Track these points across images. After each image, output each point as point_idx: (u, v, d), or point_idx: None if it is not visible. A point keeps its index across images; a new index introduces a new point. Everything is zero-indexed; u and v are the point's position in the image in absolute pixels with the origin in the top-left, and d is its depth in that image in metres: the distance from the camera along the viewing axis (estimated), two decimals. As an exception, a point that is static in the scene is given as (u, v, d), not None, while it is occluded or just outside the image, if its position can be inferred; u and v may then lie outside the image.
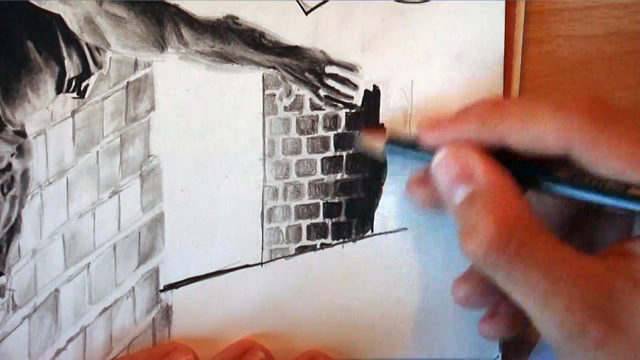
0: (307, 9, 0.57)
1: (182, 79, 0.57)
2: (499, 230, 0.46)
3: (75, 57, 0.55)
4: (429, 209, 0.56)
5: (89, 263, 0.57)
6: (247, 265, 0.58)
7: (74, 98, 0.56)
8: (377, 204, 0.59)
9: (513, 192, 0.48)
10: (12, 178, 0.55)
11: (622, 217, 0.51)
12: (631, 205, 0.45)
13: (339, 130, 0.58)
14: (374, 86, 0.58)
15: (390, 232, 0.59)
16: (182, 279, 0.58)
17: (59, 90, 0.55)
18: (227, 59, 0.57)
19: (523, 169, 0.50)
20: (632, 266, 0.45)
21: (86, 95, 0.56)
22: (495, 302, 0.54)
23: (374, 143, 0.57)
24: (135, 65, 0.56)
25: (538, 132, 0.48)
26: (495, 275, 0.46)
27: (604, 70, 0.62)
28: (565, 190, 0.49)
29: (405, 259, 0.59)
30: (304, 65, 0.57)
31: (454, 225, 0.49)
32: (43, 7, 0.54)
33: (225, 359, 0.57)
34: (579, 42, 0.61)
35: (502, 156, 0.50)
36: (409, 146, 0.55)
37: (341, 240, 0.59)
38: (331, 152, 0.58)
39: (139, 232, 0.57)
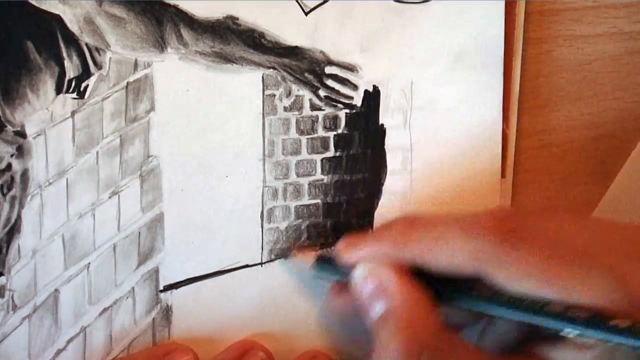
0: (306, 9, 0.57)
1: (182, 79, 0.57)
2: (407, 350, 0.47)
3: (75, 57, 0.55)
4: (348, 318, 0.56)
5: (89, 263, 0.57)
6: (247, 266, 0.58)
7: (73, 98, 0.56)
8: (377, 205, 0.59)
9: (426, 309, 0.49)
10: (12, 178, 0.55)
11: None
12: (551, 324, 0.46)
13: (339, 131, 0.58)
14: (374, 86, 0.58)
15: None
16: (182, 279, 0.58)
17: (58, 90, 0.55)
18: (227, 59, 0.57)
19: (441, 286, 0.50)
20: None
21: (86, 96, 0.56)
22: None
23: (304, 260, 0.58)
24: (135, 65, 0.56)
25: (450, 254, 0.48)
26: None
27: (604, 70, 0.62)
28: (481, 307, 0.49)
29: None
30: (304, 66, 0.57)
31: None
32: (43, 7, 0.54)
33: (226, 359, 0.57)
34: (579, 42, 0.62)
35: (421, 273, 0.50)
36: (334, 263, 0.55)
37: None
38: (331, 153, 0.58)
39: (139, 233, 0.57)
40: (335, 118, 0.58)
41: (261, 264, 0.59)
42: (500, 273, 0.47)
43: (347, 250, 0.53)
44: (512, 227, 0.48)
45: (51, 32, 0.55)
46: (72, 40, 0.55)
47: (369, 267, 0.51)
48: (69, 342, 0.57)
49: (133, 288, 0.58)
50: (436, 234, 0.49)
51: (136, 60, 0.56)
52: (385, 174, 0.59)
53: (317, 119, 0.58)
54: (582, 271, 0.45)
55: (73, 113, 0.56)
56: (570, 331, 0.45)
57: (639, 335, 0.42)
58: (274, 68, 0.57)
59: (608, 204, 0.64)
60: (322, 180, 0.59)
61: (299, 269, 0.59)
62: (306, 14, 0.57)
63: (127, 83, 0.56)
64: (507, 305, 0.47)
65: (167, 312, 0.58)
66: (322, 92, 0.58)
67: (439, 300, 0.50)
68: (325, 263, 0.56)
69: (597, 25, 0.62)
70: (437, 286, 0.50)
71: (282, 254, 0.59)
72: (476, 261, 0.47)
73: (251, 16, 0.56)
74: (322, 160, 0.58)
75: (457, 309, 0.51)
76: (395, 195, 0.59)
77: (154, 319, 0.58)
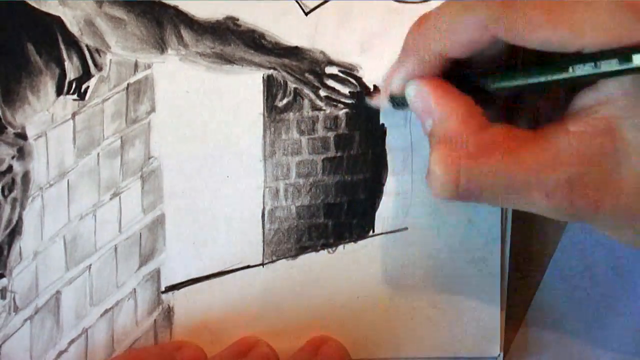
0: (306, 10, 0.57)
1: (182, 80, 0.57)
2: (446, 173, 0.47)
3: (75, 59, 0.55)
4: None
5: (90, 265, 0.57)
6: (249, 266, 0.58)
7: (74, 100, 0.56)
8: (378, 205, 0.59)
9: (465, 119, 0.48)
10: (13, 180, 0.56)
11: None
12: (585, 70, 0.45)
13: (340, 131, 0.58)
14: (374, 86, 0.58)
15: (391, 232, 0.59)
16: (183, 280, 0.58)
17: (59, 92, 0.56)
18: (227, 60, 0.57)
19: (470, 81, 0.50)
20: (593, 118, 0.46)
21: (86, 97, 0.56)
22: None
23: (377, 99, 0.58)
24: (136, 67, 0.56)
25: (467, 30, 0.47)
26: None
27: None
28: (517, 79, 0.49)
29: (405, 258, 0.59)
30: (304, 66, 0.57)
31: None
32: (43, 9, 0.54)
33: (231, 354, 0.57)
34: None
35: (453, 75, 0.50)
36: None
37: (342, 241, 0.59)
38: (332, 153, 0.58)
39: (140, 234, 0.58)
40: (336, 118, 0.58)
41: (262, 264, 0.58)
42: (515, 28, 0.46)
43: (391, 79, 0.53)
44: None
45: (51, 34, 0.55)
46: (72, 42, 0.55)
47: (414, 85, 0.50)
48: (70, 343, 0.57)
49: (134, 289, 0.58)
50: (453, 12, 0.48)
51: (136, 62, 0.56)
52: (386, 174, 0.59)
53: (318, 119, 0.58)
54: (595, 9, 0.44)
55: (74, 114, 0.56)
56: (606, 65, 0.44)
57: None
58: (274, 68, 0.57)
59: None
60: (323, 180, 0.58)
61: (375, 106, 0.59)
62: (306, 14, 0.57)
63: (128, 84, 0.56)
64: (537, 70, 0.47)
65: (168, 313, 0.58)
66: (322, 92, 0.58)
67: (474, 92, 0.50)
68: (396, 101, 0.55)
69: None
70: (467, 78, 0.50)
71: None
72: (493, 25, 0.46)
73: (251, 17, 0.56)
74: (322, 160, 0.58)
75: (490, 94, 0.50)
76: (397, 195, 0.59)
77: (155, 320, 0.58)
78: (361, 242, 0.59)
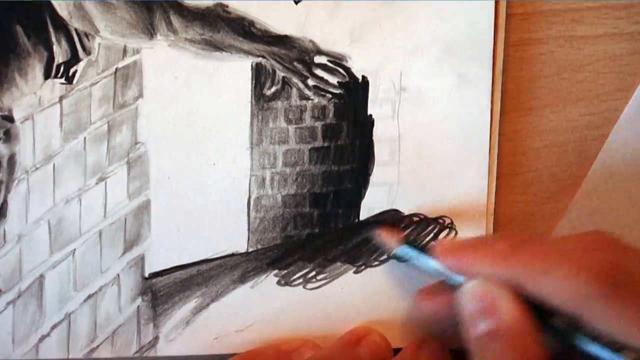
0: (297, -2, 0.57)
1: (171, 66, 0.57)
2: None
3: (64, 42, 0.55)
4: (435, 322, 0.56)
5: (75, 249, 0.57)
6: (233, 254, 0.58)
7: (62, 84, 0.56)
8: (364, 195, 0.59)
9: (533, 336, 0.49)
10: (-1, 163, 0.56)
11: None
12: None
13: (327, 121, 0.58)
14: (363, 77, 0.58)
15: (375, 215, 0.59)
16: (167, 267, 0.58)
17: (47, 75, 0.55)
18: (216, 47, 0.57)
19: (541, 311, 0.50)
20: None
21: (74, 81, 0.56)
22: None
23: (388, 242, 0.58)
24: (124, 51, 0.56)
25: (553, 291, 0.48)
26: None
27: (605, 70, 0.62)
28: (574, 340, 0.49)
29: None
30: (293, 55, 0.57)
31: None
32: (32, -9, 0.54)
33: (343, 344, 0.58)
34: (580, 42, 0.61)
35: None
36: (422, 255, 0.56)
37: (327, 230, 0.59)
38: (319, 143, 0.58)
39: (125, 219, 0.57)
40: (324, 108, 0.58)
41: (247, 252, 0.58)
42: (601, 322, 0.47)
43: (449, 257, 0.53)
44: (621, 279, 0.47)
45: (40, 17, 0.55)
46: (61, 26, 0.55)
47: (483, 282, 0.51)
48: (53, 328, 0.57)
49: (118, 275, 0.58)
50: (542, 268, 0.49)
51: (125, 47, 0.56)
52: (373, 164, 0.59)
53: (306, 108, 0.58)
54: None
55: (61, 98, 0.56)
56: None
57: None
58: (263, 57, 0.57)
59: (581, 201, 0.63)
60: (310, 170, 0.58)
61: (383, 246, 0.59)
62: (296, 2, 0.57)
63: (116, 69, 0.56)
64: (601, 347, 0.48)
65: (152, 299, 0.58)
66: (310, 82, 0.58)
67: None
68: (412, 251, 0.57)
69: (598, 26, 0.61)
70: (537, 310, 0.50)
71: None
72: (578, 306, 0.47)
73: (241, 4, 0.56)
74: (309, 150, 0.58)
75: (548, 335, 0.50)
76: (383, 186, 0.59)
77: (138, 306, 0.58)
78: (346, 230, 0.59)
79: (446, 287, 0.54)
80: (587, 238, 0.50)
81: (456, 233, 0.60)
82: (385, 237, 0.59)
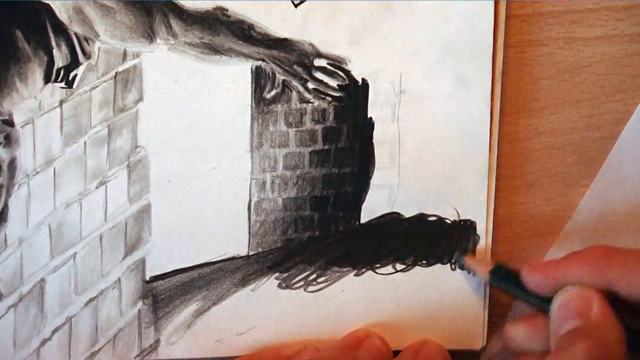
0: (296, 2, 0.57)
1: (171, 70, 0.57)
2: None
3: (63, 46, 0.55)
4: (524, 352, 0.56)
5: (75, 253, 0.57)
6: (234, 258, 0.58)
7: (62, 88, 0.56)
8: (365, 198, 0.59)
9: (617, 339, 0.49)
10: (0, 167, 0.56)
11: None
12: None
13: (327, 124, 0.58)
14: (363, 79, 0.58)
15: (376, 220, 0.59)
16: (168, 270, 0.58)
17: (47, 79, 0.55)
18: (216, 50, 0.57)
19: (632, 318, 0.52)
20: None
21: (74, 85, 0.56)
22: None
23: (477, 268, 0.59)
24: (124, 55, 0.56)
25: None
26: None
27: (604, 72, 0.62)
28: None
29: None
30: (293, 58, 0.57)
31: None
32: (32, -4, 0.54)
33: (342, 347, 0.58)
34: (580, 44, 0.61)
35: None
36: (512, 280, 0.56)
37: (327, 233, 0.59)
38: (319, 146, 0.58)
39: (126, 223, 0.57)
40: (324, 111, 0.58)
41: (248, 256, 0.58)
42: None
43: (534, 274, 0.54)
44: None
45: (40, 21, 0.55)
46: (61, 30, 0.55)
47: (574, 288, 0.52)
48: (54, 332, 0.57)
49: (119, 279, 0.58)
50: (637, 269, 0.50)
51: (125, 51, 0.56)
52: (374, 167, 0.59)
53: (306, 111, 0.58)
54: None
55: (61, 102, 0.56)
56: None
57: None
58: (263, 60, 0.57)
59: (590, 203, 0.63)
60: (310, 173, 0.58)
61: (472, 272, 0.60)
62: (296, 6, 0.57)
63: (116, 73, 0.56)
64: None
65: (153, 303, 0.58)
66: (310, 85, 0.58)
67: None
68: (504, 276, 0.57)
69: (597, 28, 0.61)
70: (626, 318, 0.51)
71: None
72: None
73: (240, 8, 0.56)
74: (310, 153, 0.58)
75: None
76: (384, 189, 0.59)
77: (139, 310, 0.58)
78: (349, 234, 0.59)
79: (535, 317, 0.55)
80: None
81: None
82: (473, 264, 0.59)
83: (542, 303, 0.54)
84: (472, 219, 0.60)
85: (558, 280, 0.53)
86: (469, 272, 0.60)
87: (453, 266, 0.60)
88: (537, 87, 0.61)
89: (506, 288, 0.57)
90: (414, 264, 0.60)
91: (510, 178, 0.62)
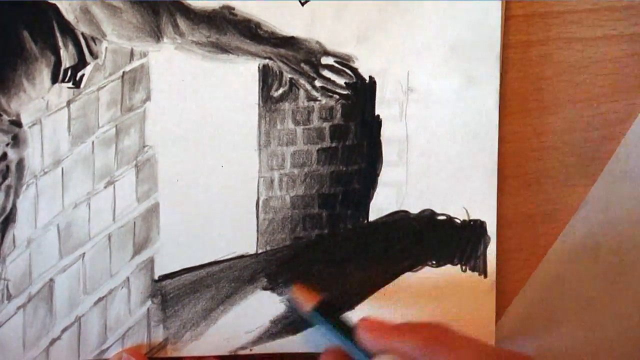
0: (303, 0, 0.57)
1: (178, 69, 0.57)
2: None
3: (71, 46, 0.55)
4: None
5: (84, 253, 0.57)
6: (242, 256, 0.58)
7: (69, 88, 0.56)
8: (373, 196, 0.59)
9: None
10: (7, 167, 0.55)
11: None
12: None
13: (335, 121, 0.58)
14: (370, 77, 0.58)
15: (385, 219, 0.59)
16: (177, 269, 0.58)
17: (54, 80, 0.55)
18: (223, 49, 0.57)
19: None
20: None
21: (82, 85, 0.56)
22: None
23: (303, 302, 0.57)
24: (131, 55, 0.56)
25: None
26: None
27: (604, 72, 0.62)
28: None
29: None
30: (300, 56, 0.57)
31: None
32: (39, -4, 0.54)
33: None
34: (579, 44, 0.61)
35: None
36: (335, 324, 0.55)
37: (336, 231, 0.59)
38: (327, 143, 0.58)
39: (134, 223, 0.57)
40: (331, 109, 0.58)
41: (256, 254, 0.58)
42: None
43: (370, 334, 0.53)
44: None
45: (47, 21, 0.55)
46: (68, 30, 0.55)
47: (389, 358, 0.51)
48: (63, 331, 0.57)
49: (128, 278, 0.58)
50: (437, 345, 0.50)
51: (132, 50, 0.56)
52: (381, 165, 0.59)
53: (313, 109, 0.58)
54: None
55: (69, 102, 0.56)
56: None
57: None
58: (270, 58, 0.57)
59: (593, 202, 0.63)
60: (318, 170, 0.58)
61: (296, 305, 0.58)
62: (302, 4, 0.57)
63: (123, 72, 0.56)
64: None
65: (162, 302, 0.58)
66: (318, 83, 0.58)
67: None
68: (326, 315, 0.56)
69: (597, 28, 0.61)
70: None
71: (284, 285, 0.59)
72: None
73: (247, 6, 0.56)
74: (317, 150, 0.58)
75: None
76: (392, 186, 0.59)
77: (148, 308, 0.58)
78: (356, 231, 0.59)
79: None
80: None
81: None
82: (299, 298, 0.58)
83: (357, 352, 0.53)
84: (482, 219, 0.60)
85: (386, 345, 0.52)
86: (291, 303, 0.59)
87: (464, 267, 0.60)
88: (537, 87, 0.61)
89: (325, 327, 0.56)
90: (423, 264, 0.60)
91: (510, 178, 0.62)
